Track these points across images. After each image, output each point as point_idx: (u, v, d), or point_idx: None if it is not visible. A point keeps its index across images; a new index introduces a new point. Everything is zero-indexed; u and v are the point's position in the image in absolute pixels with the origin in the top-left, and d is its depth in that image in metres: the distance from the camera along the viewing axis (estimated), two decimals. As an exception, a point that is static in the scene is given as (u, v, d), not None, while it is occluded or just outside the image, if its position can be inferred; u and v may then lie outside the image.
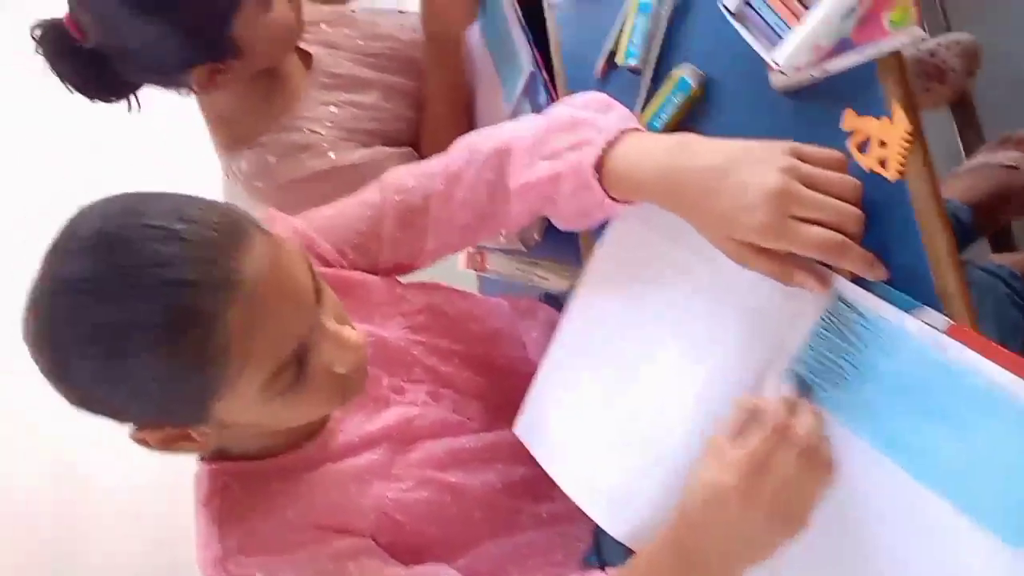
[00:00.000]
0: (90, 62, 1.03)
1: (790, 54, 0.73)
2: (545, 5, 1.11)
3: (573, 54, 1.06)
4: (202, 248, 0.62)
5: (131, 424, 0.68)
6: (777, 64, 0.74)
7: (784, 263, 0.68)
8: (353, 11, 1.36)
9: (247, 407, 0.67)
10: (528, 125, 0.86)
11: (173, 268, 0.61)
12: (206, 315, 0.61)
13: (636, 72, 0.93)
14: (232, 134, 1.21)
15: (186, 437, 0.69)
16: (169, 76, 1.09)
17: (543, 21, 1.12)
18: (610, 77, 0.98)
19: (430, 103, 1.28)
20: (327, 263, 0.89)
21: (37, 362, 0.64)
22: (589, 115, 0.81)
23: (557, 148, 0.81)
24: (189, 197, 0.66)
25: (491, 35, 1.23)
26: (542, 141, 0.83)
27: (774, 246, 0.67)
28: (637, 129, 0.79)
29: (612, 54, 0.97)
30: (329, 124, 1.21)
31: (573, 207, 0.82)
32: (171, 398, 0.64)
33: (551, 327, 0.93)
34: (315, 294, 0.70)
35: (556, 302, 1.19)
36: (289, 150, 1.18)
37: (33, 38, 1.04)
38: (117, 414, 0.66)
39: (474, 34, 1.27)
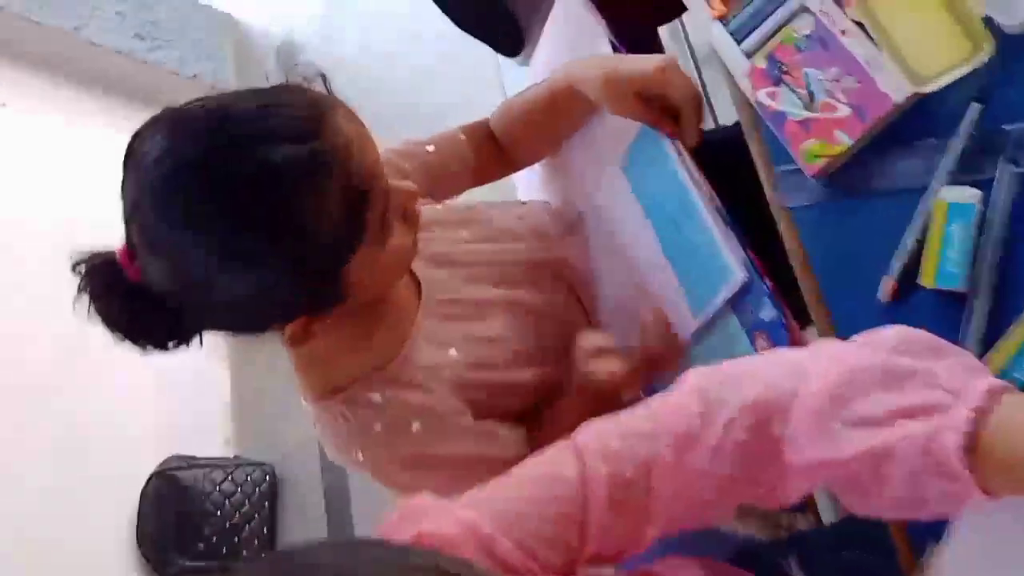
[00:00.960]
0: (150, 308, 0.77)
1: None
2: (774, 205, 0.88)
3: (823, 267, 0.82)
4: None
5: None
6: None
7: None
8: (469, 206, 1.11)
9: None
10: (803, 367, 0.60)
11: None
12: None
13: (956, 298, 0.67)
14: (324, 381, 0.90)
15: None
16: (254, 330, 0.84)
17: (759, 218, 0.89)
18: (906, 302, 0.73)
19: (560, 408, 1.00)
20: (512, 569, 0.62)
21: None
22: (918, 363, 0.56)
23: (877, 413, 0.55)
24: (403, 552, 0.44)
25: (663, 227, 0.99)
26: (844, 399, 0.57)
27: None
28: (1005, 388, 0.54)
29: (905, 270, 0.72)
30: (448, 377, 0.93)
31: (902, 494, 0.55)
32: None
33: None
34: None
35: (749, 561, 0.89)
36: (399, 416, 0.88)
37: (75, 272, 0.78)
38: None
39: (635, 211, 1.01)
